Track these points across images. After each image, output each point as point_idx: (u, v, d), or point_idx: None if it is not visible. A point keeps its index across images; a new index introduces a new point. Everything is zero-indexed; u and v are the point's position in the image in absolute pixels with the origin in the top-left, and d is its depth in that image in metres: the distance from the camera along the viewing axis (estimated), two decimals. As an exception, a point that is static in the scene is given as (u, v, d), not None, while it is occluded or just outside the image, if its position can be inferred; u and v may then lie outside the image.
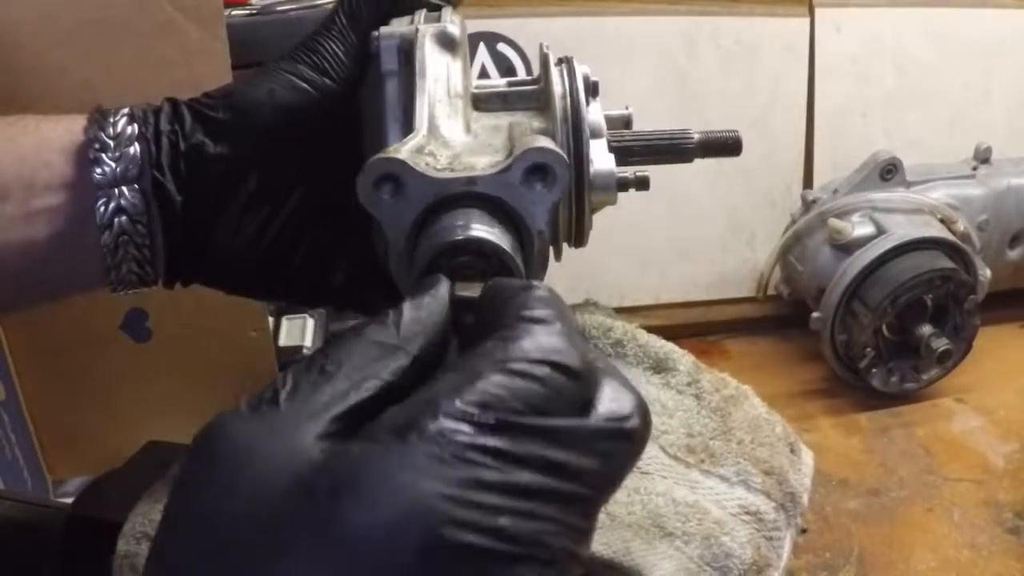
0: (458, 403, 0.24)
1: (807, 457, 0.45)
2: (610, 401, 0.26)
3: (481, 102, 0.42)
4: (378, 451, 0.23)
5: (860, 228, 0.78)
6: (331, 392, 0.26)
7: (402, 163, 0.33)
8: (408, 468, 0.23)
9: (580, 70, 0.41)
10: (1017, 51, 0.93)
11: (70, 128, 0.41)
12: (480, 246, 0.32)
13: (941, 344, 0.75)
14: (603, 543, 0.36)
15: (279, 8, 0.87)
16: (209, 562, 0.24)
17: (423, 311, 0.29)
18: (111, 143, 0.40)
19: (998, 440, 0.70)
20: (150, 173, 0.41)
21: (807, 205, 0.84)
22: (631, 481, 0.39)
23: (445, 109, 0.39)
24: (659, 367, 0.44)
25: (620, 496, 0.38)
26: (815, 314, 0.78)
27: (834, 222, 0.78)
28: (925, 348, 0.75)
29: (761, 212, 0.90)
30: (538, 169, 0.34)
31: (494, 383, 0.24)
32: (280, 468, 0.24)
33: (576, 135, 0.39)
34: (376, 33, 0.42)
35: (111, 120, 0.41)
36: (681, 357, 0.45)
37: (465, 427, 0.23)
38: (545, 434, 0.24)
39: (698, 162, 0.45)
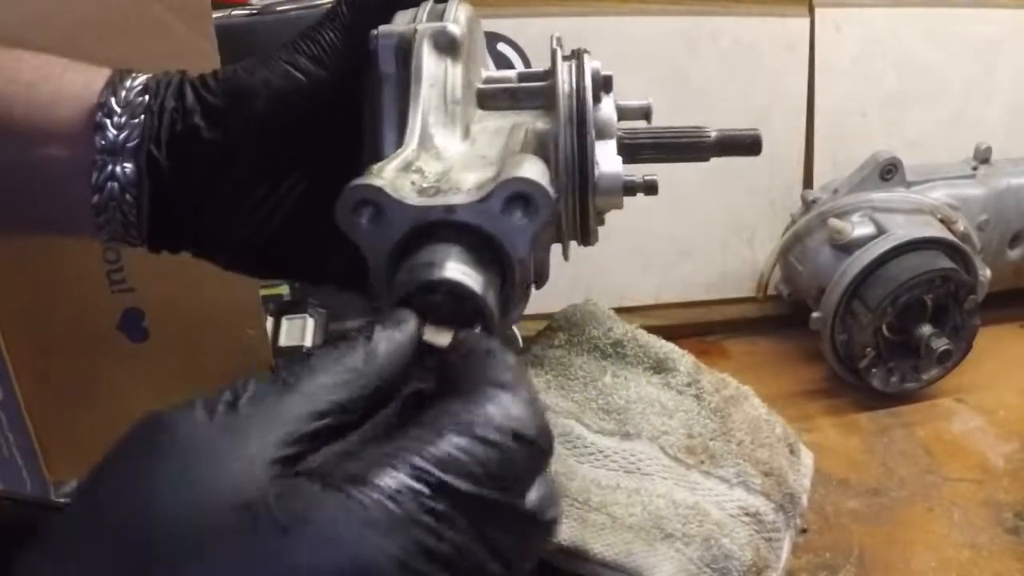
0: (419, 461, 0.24)
1: (806, 458, 0.46)
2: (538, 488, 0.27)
3: (488, 99, 0.41)
4: (335, 498, 0.23)
5: (860, 228, 0.78)
6: (290, 408, 0.26)
7: (379, 190, 0.33)
8: (361, 522, 0.23)
9: (590, 65, 0.40)
10: (1017, 51, 0.93)
11: (88, 85, 0.41)
12: (452, 289, 0.31)
13: (941, 344, 0.75)
14: (605, 544, 0.36)
15: (279, 8, 0.87)
16: (126, 555, 0.23)
17: (392, 344, 0.29)
18: (119, 110, 0.40)
19: (998, 440, 0.70)
20: (147, 147, 0.41)
21: (807, 205, 0.84)
22: (633, 482, 0.39)
23: (440, 117, 0.38)
24: (659, 367, 0.44)
25: (621, 498, 0.38)
26: (815, 314, 0.78)
27: (834, 222, 0.78)
28: (925, 348, 0.75)
29: (761, 212, 0.90)
30: (519, 198, 0.33)
31: (456, 445, 0.25)
32: (230, 482, 0.24)
33: (581, 136, 0.38)
34: (375, 32, 0.41)
35: (126, 85, 0.41)
36: (681, 357, 0.45)
37: (423, 488, 0.24)
38: (492, 509, 0.25)
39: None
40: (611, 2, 0.86)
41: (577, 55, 0.41)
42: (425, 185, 0.34)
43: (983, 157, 0.85)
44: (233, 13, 0.84)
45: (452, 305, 0.31)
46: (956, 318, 0.76)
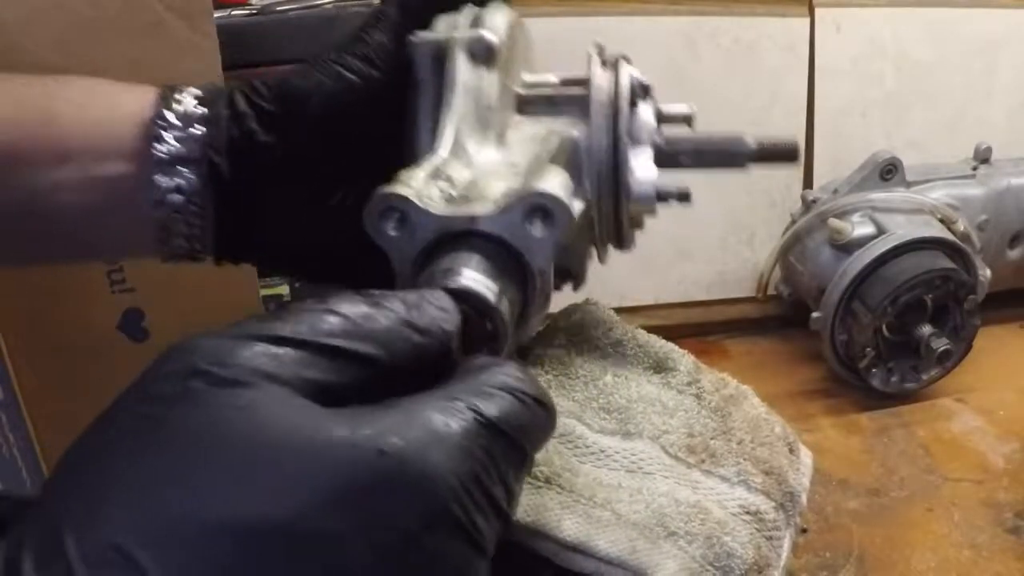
0: (485, 410, 0.27)
1: (806, 457, 0.46)
2: None
3: (527, 105, 0.41)
4: (425, 417, 0.26)
5: (860, 228, 0.78)
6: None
7: (405, 199, 0.34)
8: (434, 440, 0.26)
9: (627, 73, 0.41)
10: (1017, 51, 0.93)
11: (140, 100, 0.41)
12: (468, 297, 0.32)
13: (941, 344, 0.75)
14: (610, 541, 0.36)
15: (279, 8, 0.87)
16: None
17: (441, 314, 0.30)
18: (177, 122, 0.40)
19: (998, 440, 0.70)
20: (207, 155, 0.41)
21: (807, 205, 0.84)
22: (635, 482, 0.39)
23: (473, 125, 0.38)
24: (659, 367, 0.44)
25: (624, 496, 0.38)
26: (815, 314, 0.78)
27: (834, 222, 0.78)
28: (925, 348, 0.75)
29: (761, 212, 0.90)
30: (538, 210, 0.34)
31: (508, 401, 0.28)
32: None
33: (613, 144, 0.39)
34: (412, 38, 0.41)
35: (178, 98, 0.42)
36: (681, 357, 0.45)
37: (486, 433, 0.27)
38: (524, 459, 0.28)
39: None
40: (611, 2, 0.86)
41: (615, 62, 0.41)
42: (453, 193, 0.35)
43: (983, 157, 0.86)
44: (233, 13, 0.84)
45: (468, 312, 0.32)
46: (956, 318, 0.76)
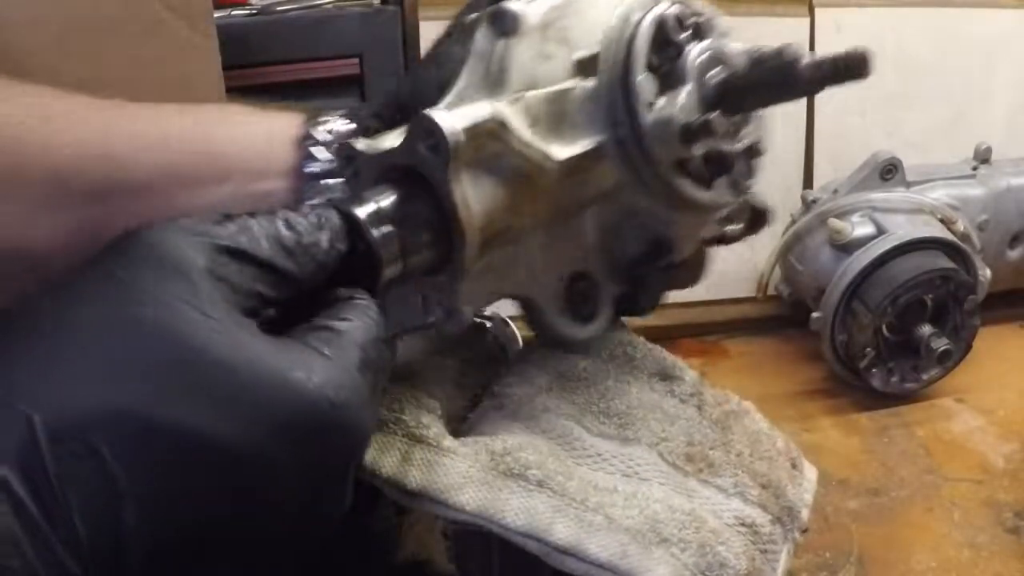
0: (374, 356, 0.31)
1: (809, 473, 0.45)
2: None
3: (585, 67, 0.40)
4: (352, 370, 0.30)
5: (860, 228, 0.78)
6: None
7: (351, 146, 0.37)
8: (367, 402, 0.30)
9: (657, 12, 0.39)
10: (1017, 51, 0.93)
11: (291, 122, 0.44)
12: (346, 218, 0.34)
13: (941, 344, 0.75)
14: (601, 545, 0.36)
15: (279, 8, 0.87)
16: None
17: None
18: (328, 137, 0.42)
19: (998, 440, 0.70)
20: None
21: (807, 205, 0.84)
22: (630, 487, 0.39)
23: (478, 86, 0.38)
24: (664, 375, 0.44)
25: (618, 500, 0.38)
26: (815, 314, 0.78)
27: (834, 222, 0.78)
28: (925, 348, 0.75)
29: (761, 212, 0.90)
30: (419, 129, 0.35)
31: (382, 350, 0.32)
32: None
33: (624, 86, 0.39)
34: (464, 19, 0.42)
35: (325, 118, 0.44)
36: (686, 370, 0.45)
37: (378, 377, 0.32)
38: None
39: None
40: (611, 2, 0.85)
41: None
42: None
43: (983, 157, 0.86)
44: (233, 13, 0.84)
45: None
46: (956, 318, 0.76)
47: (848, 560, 0.58)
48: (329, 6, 0.88)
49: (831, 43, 0.89)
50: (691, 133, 0.39)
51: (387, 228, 0.35)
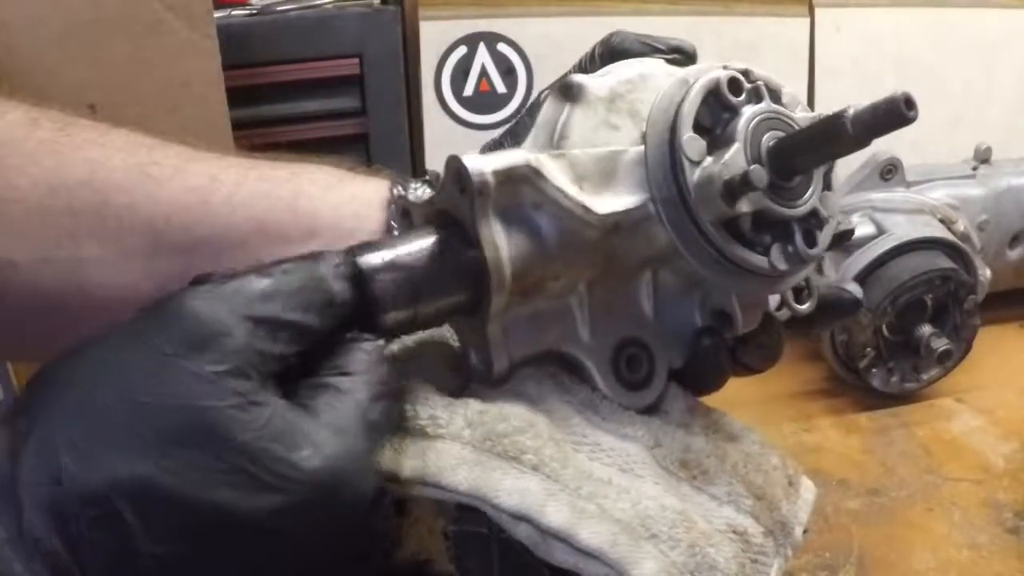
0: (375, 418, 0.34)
1: (806, 492, 0.45)
2: None
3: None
4: (360, 446, 0.33)
5: (860, 228, 0.78)
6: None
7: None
8: (370, 475, 0.34)
9: (712, 75, 0.40)
10: (1017, 51, 0.93)
11: (380, 185, 0.46)
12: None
13: (941, 344, 0.75)
14: (592, 531, 0.36)
15: (279, 8, 0.87)
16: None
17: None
18: (417, 202, 0.43)
19: (998, 440, 0.70)
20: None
21: (807, 205, 0.84)
22: (625, 480, 0.39)
23: (542, 144, 0.40)
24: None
25: (611, 492, 0.38)
26: (815, 314, 0.78)
27: (834, 222, 0.78)
28: (925, 348, 0.75)
29: (761, 212, 0.90)
30: (454, 174, 0.36)
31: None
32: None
33: (671, 146, 0.39)
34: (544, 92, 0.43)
35: (414, 185, 0.45)
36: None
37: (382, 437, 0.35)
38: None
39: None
40: (611, 2, 0.86)
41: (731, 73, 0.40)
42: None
43: (983, 157, 0.86)
44: (233, 13, 0.84)
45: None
46: (956, 318, 0.76)
47: (848, 560, 0.58)
48: (329, 6, 0.88)
49: (831, 43, 0.89)
50: (733, 188, 0.38)
51: (395, 274, 0.36)
